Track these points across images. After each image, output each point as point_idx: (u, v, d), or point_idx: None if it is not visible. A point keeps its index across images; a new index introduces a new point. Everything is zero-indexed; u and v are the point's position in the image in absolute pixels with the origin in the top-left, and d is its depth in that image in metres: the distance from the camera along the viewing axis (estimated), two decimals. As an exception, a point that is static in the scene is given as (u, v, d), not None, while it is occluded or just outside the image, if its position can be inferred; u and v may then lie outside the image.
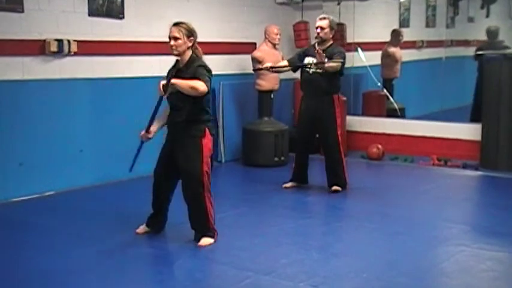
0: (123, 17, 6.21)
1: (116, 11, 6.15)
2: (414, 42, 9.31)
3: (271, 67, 5.92)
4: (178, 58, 4.23)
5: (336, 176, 5.75)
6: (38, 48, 5.54)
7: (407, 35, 8.88)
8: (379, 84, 8.66)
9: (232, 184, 6.54)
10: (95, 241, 4.28)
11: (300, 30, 7.79)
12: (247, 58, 7.25)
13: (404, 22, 9.23)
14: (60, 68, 5.73)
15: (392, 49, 8.65)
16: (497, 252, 4.16)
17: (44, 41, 5.55)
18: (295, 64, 5.82)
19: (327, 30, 5.62)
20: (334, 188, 5.74)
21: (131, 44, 6.29)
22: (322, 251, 4.32)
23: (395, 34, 8.73)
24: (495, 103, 6.75)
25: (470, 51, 8.80)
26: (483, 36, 8.49)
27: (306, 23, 7.80)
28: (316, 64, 5.57)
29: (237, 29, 7.52)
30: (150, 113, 4.28)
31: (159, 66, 5.98)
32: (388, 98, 8.54)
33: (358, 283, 3.66)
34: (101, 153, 6.08)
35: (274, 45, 7.10)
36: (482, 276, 3.77)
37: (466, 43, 9.58)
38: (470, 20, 9.70)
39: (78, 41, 5.77)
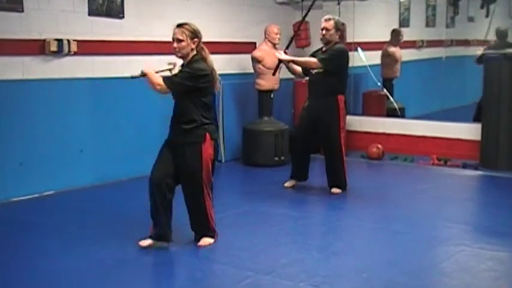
0: (123, 17, 6.21)
1: (115, 11, 6.14)
2: (414, 42, 9.32)
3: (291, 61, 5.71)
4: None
5: (337, 178, 5.74)
6: (38, 47, 5.54)
7: (407, 34, 8.88)
8: (379, 84, 8.66)
9: (232, 184, 6.54)
10: (95, 241, 4.27)
11: (300, 29, 7.79)
12: (247, 58, 7.25)
13: (404, 22, 9.23)
14: (60, 68, 5.73)
15: (392, 49, 8.65)
16: (498, 252, 4.15)
17: (44, 40, 5.55)
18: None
19: (332, 31, 5.54)
20: (334, 190, 5.73)
21: (131, 44, 6.29)
22: (322, 250, 4.32)
23: (395, 34, 8.73)
24: (495, 103, 6.75)
25: (471, 51, 8.80)
26: (483, 36, 8.50)
27: (306, 22, 7.79)
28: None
29: (237, 29, 7.51)
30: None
31: (159, 65, 5.96)
32: (388, 98, 8.55)
33: (358, 282, 3.66)
34: (101, 153, 6.08)
35: (274, 44, 7.10)
36: (482, 276, 3.77)
37: (466, 43, 9.59)
38: (470, 19, 9.71)
39: (78, 41, 5.77)
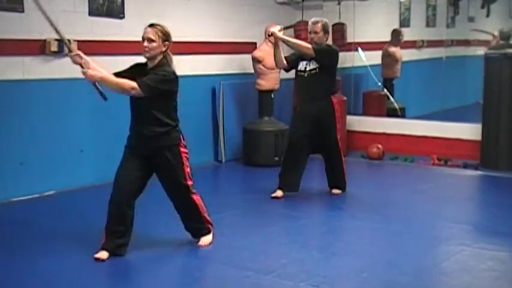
0: (124, 17, 6.21)
1: (116, 11, 6.14)
2: (414, 41, 9.32)
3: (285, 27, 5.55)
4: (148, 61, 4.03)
5: (337, 178, 5.72)
6: (38, 47, 5.54)
7: (407, 34, 8.88)
8: (379, 83, 8.67)
9: (233, 184, 6.54)
10: (96, 241, 4.26)
11: (300, 29, 7.79)
12: (247, 58, 7.25)
13: (404, 22, 9.24)
14: (60, 68, 5.73)
15: (392, 49, 8.65)
16: (499, 252, 4.15)
17: (44, 40, 5.55)
18: (292, 63, 5.60)
19: (320, 34, 5.46)
20: (335, 190, 5.72)
21: (131, 44, 6.26)
22: (322, 250, 4.32)
23: (396, 34, 8.73)
24: (495, 103, 6.75)
25: (471, 50, 8.81)
26: (483, 36, 8.50)
27: (306, 22, 7.79)
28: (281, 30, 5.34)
29: (238, 29, 7.51)
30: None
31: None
32: (388, 98, 8.55)
33: (358, 282, 3.66)
34: (101, 153, 6.08)
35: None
36: (483, 276, 3.77)
37: (466, 43, 9.59)
38: (471, 19, 9.71)
39: (78, 41, 5.76)
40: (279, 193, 5.57)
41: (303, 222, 4.99)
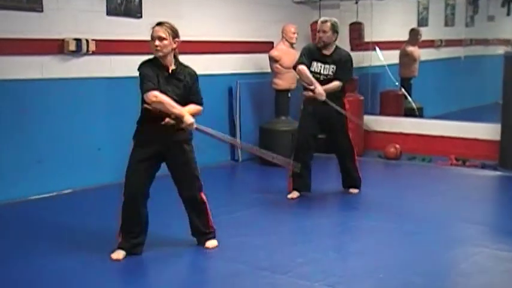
0: (141, 16, 6.24)
1: (133, 10, 6.18)
2: (433, 41, 9.25)
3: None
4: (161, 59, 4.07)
5: (352, 178, 5.73)
6: (57, 47, 5.59)
7: (425, 34, 8.81)
8: (397, 83, 8.62)
9: (249, 183, 6.54)
10: (112, 239, 4.28)
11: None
12: (264, 57, 7.24)
13: (422, 21, 9.17)
14: (78, 67, 5.78)
15: (410, 48, 8.59)
16: (517, 253, 4.11)
17: (63, 40, 5.60)
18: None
19: (329, 33, 5.41)
20: (352, 190, 5.72)
21: (149, 43, 6.30)
22: (338, 250, 4.31)
23: (414, 33, 8.67)
24: (515, 103, 6.68)
25: (490, 50, 8.71)
26: (504, 35, 8.41)
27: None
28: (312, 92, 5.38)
29: (255, 28, 7.51)
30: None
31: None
32: (406, 98, 8.49)
33: (374, 283, 3.64)
34: (118, 151, 6.07)
35: (291, 44, 7.09)
36: (502, 277, 3.73)
37: (485, 42, 9.49)
38: (491, 18, 9.60)
39: (96, 40, 5.81)
40: (295, 194, 5.59)
41: (319, 221, 4.98)
